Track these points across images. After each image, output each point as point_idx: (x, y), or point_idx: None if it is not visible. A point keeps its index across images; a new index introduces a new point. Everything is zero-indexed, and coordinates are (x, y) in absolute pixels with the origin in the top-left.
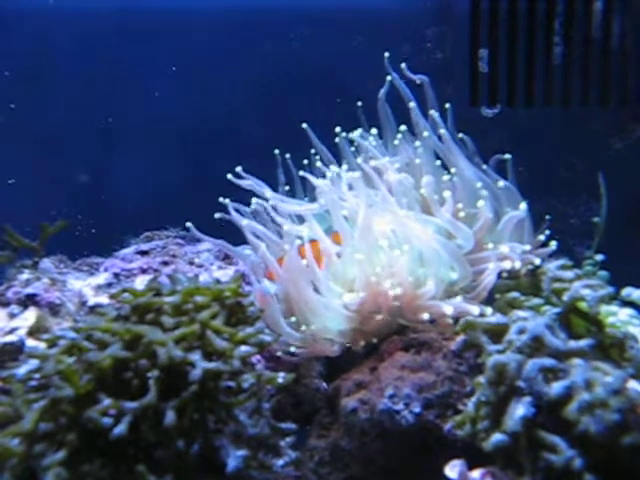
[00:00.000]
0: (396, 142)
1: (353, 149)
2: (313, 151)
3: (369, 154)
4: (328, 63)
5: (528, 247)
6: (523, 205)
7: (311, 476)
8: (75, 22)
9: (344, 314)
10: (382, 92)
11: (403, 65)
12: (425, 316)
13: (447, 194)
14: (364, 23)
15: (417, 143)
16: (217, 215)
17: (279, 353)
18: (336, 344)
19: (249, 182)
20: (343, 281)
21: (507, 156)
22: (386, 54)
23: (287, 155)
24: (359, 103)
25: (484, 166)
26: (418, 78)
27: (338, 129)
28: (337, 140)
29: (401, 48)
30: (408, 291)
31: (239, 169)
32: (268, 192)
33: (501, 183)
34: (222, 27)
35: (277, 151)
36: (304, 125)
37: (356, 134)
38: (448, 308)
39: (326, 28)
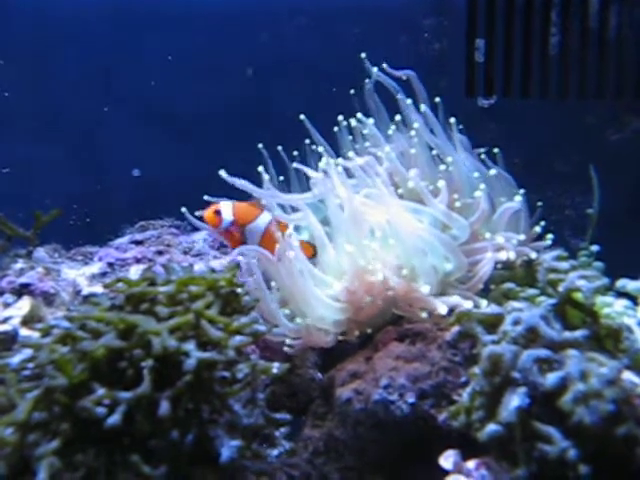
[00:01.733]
0: (390, 132)
1: (351, 138)
2: (308, 141)
3: (365, 144)
4: (325, 53)
5: (523, 236)
6: (519, 197)
7: (305, 466)
8: (72, 9)
9: (336, 304)
10: (368, 86)
11: (385, 65)
12: (424, 314)
13: (441, 184)
14: (361, 13)
15: (412, 133)
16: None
17: (285, 348)
18: (330, 334)
19: (241, 182)
20: (336, 271)
21: (482, 150)
22: (362, 54)
23: (282, 146)
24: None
25: (482, 156)
26: (404, 74)
27: (340, 117)
28: (336, 129)
29: (398, 39)
30: (402, 283)
31: (222, 173)
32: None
33: (493, 171)
34: (218, 17)
35: (276, 145)
36: (302, 116)
37: (354, 122)
38: (442, 308)
39: (323, 18)
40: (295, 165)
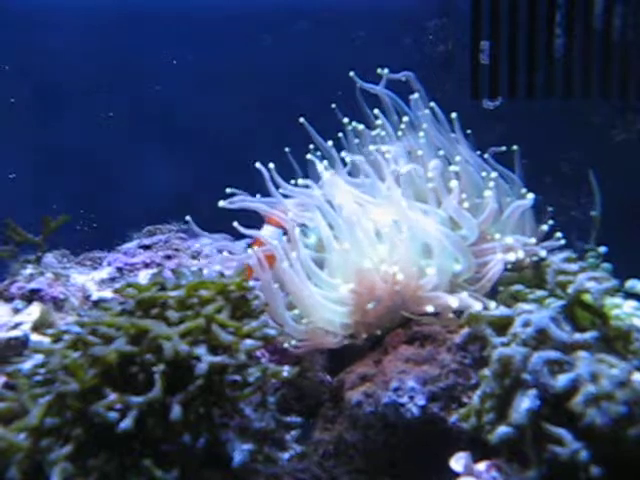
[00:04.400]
0: (400, 133)
1: (357, 141)
2: (312, 146)
3: (370, 148)
4: (331, 56)
5: (533, 240)
6: (530, 195)
7: (316, 469)
8: (77, 15)
9: (342, 309)
10: (378, 88)
11: (384, 70)
12: (429, 308)
13: (454, 184)
14: (366, 16)
15: (421, 134)
16: (221, 203)
17: (285, 345)
18: (338, 335)
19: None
20: (344, 273)
21: (502, 148)
22: (383, 70)
23: (289, 149)
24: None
25: (486, 155)
26: (402, 76)
27: (346, 120)
28: (340, 135)
29: (403, 41)
30: (411, 280)
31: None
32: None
33: (494, 174)
34: (223, 20)
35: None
36: (301, 119)
37: (361, 125)
38: (453, 300)
39: (329, 20)
40: (309, 157)
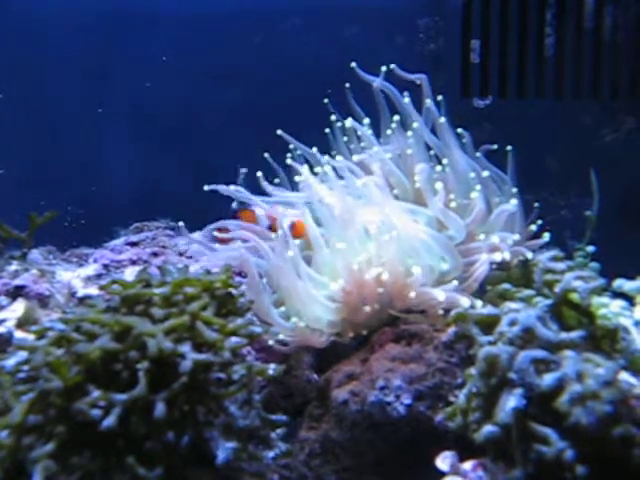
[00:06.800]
0: (389, 132)
1: (346, 139)
2: (292, 147)
3: (360, 144)
4: (322, 54)
5: (518, 236)
6: (514, 200)
7: (301, 468)
8: (66, 10)
9: (332, 305)
10: (376, 84)
11: (393, 66)
12: (412, 294)
13: (439, 185)
14: (357, 13)
15: (409, 133)
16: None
17: (270, 342)
18: (325, 335)
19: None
20: (331, 271)
21: (494, 147)
22: (392, 66)
23: (278, 148)
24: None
25: (477, 154)
26: (416, 78)
27: (333, 117)
28: (328, 130)
29: (394, 39)
30: (398, 279)
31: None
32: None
33: (486, 173)
34: (214, 18)
35: (271, 146)
36: (279, 132)
37: (348, 122)
38: (440, 294)
39: (320, 19)
40: (289, 162)
